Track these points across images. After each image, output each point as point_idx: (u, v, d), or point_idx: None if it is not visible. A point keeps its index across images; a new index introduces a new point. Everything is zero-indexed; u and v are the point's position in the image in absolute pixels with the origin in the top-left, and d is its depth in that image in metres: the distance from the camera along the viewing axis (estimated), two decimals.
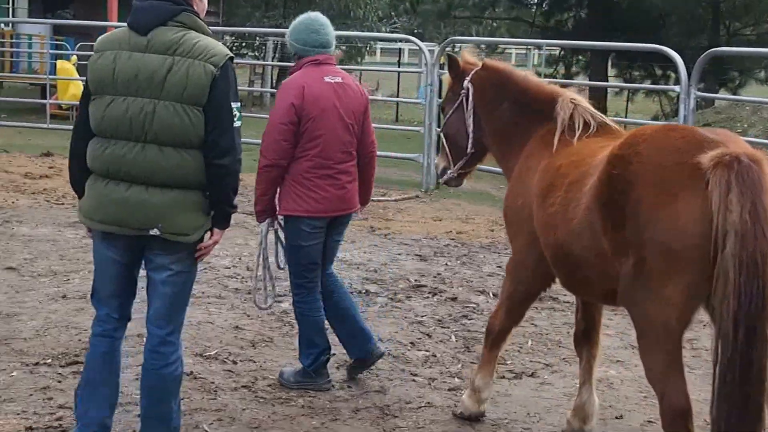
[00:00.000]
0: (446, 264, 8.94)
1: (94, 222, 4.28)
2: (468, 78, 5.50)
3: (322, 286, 5.82)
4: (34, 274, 7.77)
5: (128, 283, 4.45)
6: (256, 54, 29.48)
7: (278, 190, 5.64)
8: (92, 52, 4.34)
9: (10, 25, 22.85)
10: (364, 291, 7.87)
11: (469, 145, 5.53)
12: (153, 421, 4.46)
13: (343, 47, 29.06)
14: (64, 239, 9.04)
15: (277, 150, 5.48)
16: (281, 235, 5.88)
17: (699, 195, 3.80)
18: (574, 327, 5.38)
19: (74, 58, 20.06)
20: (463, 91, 5.51)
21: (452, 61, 5.66)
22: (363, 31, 26.72)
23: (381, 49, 39.87)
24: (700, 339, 6.78)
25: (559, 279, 4.91)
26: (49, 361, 5.83)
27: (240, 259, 8.69)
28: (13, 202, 10.58)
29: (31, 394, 5.39)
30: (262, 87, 26.36)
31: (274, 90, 26.69)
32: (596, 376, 5.32)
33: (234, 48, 30.40)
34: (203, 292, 7.51)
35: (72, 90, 19.37)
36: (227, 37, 28.42)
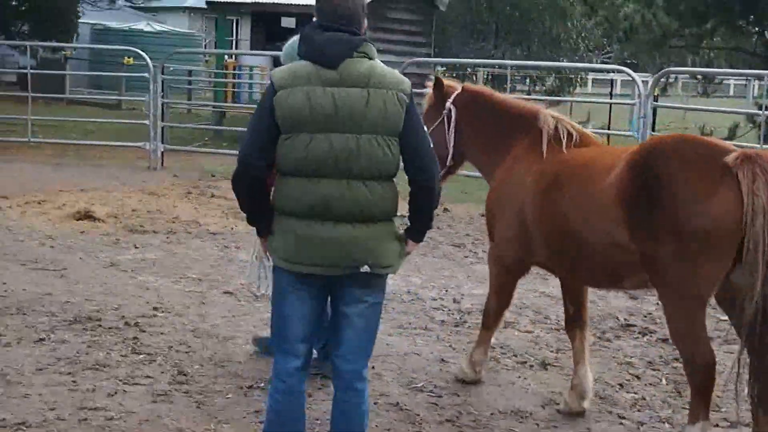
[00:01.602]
0: (658, 303, 8.66)
1: (298, 265, 4.17)
2: (450, 100, 6.31)
3: None
4: (249, 299, 8.07)
5: (317, 325, 4.36)
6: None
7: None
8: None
9: (233, 56, 23.96)
10: None
11: (449, 158, 6.35)
12: None
13: (554, 78, 28.90)
14: None
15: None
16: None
17: (732, 188, 4.66)
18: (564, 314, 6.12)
19: None
20: (445, 111, 6.32)
21: (438, 82, 6.44)
22: (574, 61, 26.45)
23: (593, 79, 39.37)
24: None
25: (558, 266, 5.73)
26: (262, 384, 6.01)
27: (447, 291, 8.74)
28: (232, 228, 11.04)
29: (245, 416, 5.59)
30: None
31: None
32: (588, 355, 5.97)
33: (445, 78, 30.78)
34: (410, 323, 7.59)
35: None
36: (438, 68, 28.78)
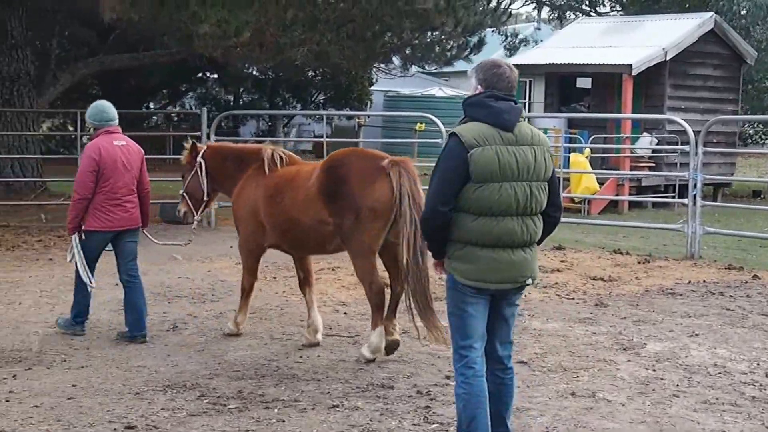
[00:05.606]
0: None
1: (486, 283, 5.33)
2: (200, 155, 8.93)
3: (123, 275, 8.72)
4: (544, 369, 7.78)
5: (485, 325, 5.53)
6: None
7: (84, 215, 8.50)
8: (472, 146, 5.22)
9: (526, 119, 23.86)
10: None
11: (205, 196, 8.98)
12: (507, 419, 5.64)
13: None
14: (574, 335, 9.00)
15: (86, 188, 8.37)
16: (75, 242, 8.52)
17: (386, 180, 7.61)
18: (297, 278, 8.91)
19: (587, 151, 20.33)
20: (197, 163, 8.91)
21: (192, 146, 9.03)
22: None
23: None
24: None
25: (285, 244, 8.38)
26: None
27: (758, 364, 8.03)
28: (525, 296, 10.78)
29: None
30: None
31: None
32: (316, 304, 8.59)
33: (755, 136, 29.23)
34: (717, 398, 7.02)
35: (584, 183, 19.56)
36: (746, 126, 27.37)
